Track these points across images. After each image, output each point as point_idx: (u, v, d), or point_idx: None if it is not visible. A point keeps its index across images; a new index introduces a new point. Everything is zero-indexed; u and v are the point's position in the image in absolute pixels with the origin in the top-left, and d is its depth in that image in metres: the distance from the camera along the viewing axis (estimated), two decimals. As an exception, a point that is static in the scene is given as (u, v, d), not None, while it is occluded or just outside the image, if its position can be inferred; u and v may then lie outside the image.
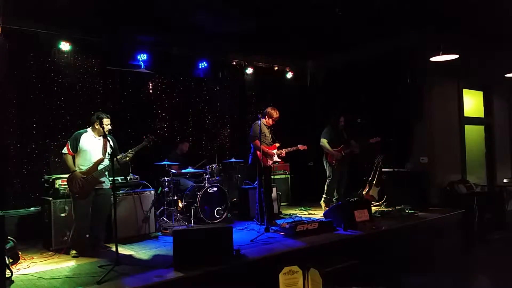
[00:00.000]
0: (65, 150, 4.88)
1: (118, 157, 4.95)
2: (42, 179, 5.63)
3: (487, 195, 7.94)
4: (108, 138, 4.92)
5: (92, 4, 5.70)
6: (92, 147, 4.92)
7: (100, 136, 5.00)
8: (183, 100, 7.90)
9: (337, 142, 7.01)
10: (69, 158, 4.86)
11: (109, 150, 4.95)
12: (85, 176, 4.82)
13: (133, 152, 5.10)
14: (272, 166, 6.40)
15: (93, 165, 4.87)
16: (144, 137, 5.19)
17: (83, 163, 4.88)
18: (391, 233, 5.63)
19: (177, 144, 7.45)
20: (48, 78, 6.37)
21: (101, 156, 4.93)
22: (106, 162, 4.95)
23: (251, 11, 6.22)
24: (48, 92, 6.35)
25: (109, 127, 4.96)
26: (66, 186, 5.01)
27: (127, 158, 5.09)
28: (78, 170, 4.84)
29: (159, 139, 7.53)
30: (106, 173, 4.99)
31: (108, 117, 4.97)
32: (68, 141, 4.91)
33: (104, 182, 4.96)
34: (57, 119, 6.40)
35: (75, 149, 4.86)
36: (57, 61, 6.43)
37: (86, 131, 4.98)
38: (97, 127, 4.93)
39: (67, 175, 5.09)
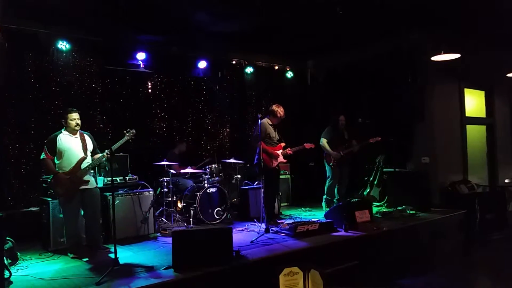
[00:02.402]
0: (43, 155, 4.72)
1: (97, 156, 4.84)
2: (41, 180, 5.60)
3: (489, 196, 7.92)
4: (86, 135, 4.85)
5: (91, 4, 5.67)
6: (70, 146, 4.76)
7: (76, 134, 4.85)
8: (182, 99, 7.87)
9: (338, 142, 6.96)
10: (49, 162, 4.71)
11: (90, 147, 4.89)
12: (69, 176, 4.69)
13: (116, 148, 4.84)
14: (278, 167, 6.33)
15: (75, 164, 4.73)
16: (124, 131, 4.91)
17: (65, 164, 4.72)
18: (392, 234, 5.59)
19: (175, 144, 7.42)
20: (47, 77, 6.34)
21: (82, 154, 4.80)
22: (89, 160, 4.85)
23: (251, 11, 6.19)
24: (46, 92, 6.32)
25: (77, 121, 4.77)
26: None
27: (106, 155, 4.77)
28: (61, 172, 4.71)
29: (158, 139, 7.52)
30: (92, 171, 4.91)
31: (73, 111, 4.78)
32: (45, 145, 4.74)
33: (89, 181, 4.85)
34: (56, 119, 6.35)
35: (53, 151, 4.70)
36: (55, 61, 6.39)
37: (61, 132, 4.82)
38: (65, 124, 4.78)
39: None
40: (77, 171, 4.73)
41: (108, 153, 4.69)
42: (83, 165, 4.78)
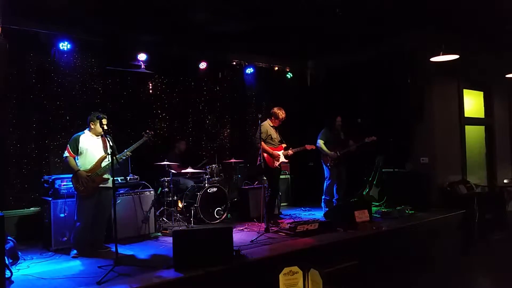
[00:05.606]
0: (66, 154, 4.87)
1: (119, 154, 4.96)
2: (42, 179, 5.63)
3: (488, 196, 7.93)
4: (107, 136, 4.92)
5: (92, 4, 5.69)
6: (92, 146, 4.93)
7: (98, 135, 5.00)
8: (183, 100, 7.88)
9: (334, 143, 6.97)
10: (72, 159, 4.86)
11: (109, 147, 4.96)
12: (90, 174, 4.83)
13: (134, 149, 5.09)
14: (279, 167, 6.38)
15: (96, 162, 4.88)
16: (143, 133, 5.18)
17: (86, 162, 4.87)
18: (391, 234, 5.62)
19: (175, 143, 7.44)
20: (48, 78, 6.35)
21: (103, 153, 4.94)
22: (109, 159, 4.94)
23: (251, 11, 6.21)
24: (48, 92, 6.33)
25: (106, 127, 4.94)
26: (68, 185, 5.01)
27: (129, 154, 5.08)
28: (82, 169, 4.83)
29: (159, 139, 7.54)
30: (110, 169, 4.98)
31: (106, 117, 4.94)
32: (68, 145, 4.90)
33: (108, 179, 4.96)
34: (57, 119, 6.38)
35: (76, 151, 4.87)
36: (57, 61, 6.40)
37: (84, 133, 4.98)
38: (92, 126, 4.93)
39: (66, 176, 5.14)
40: (98, 169, 4.86)
41: (132, 149, 5.00)
42: (103, 164, 4.91)
